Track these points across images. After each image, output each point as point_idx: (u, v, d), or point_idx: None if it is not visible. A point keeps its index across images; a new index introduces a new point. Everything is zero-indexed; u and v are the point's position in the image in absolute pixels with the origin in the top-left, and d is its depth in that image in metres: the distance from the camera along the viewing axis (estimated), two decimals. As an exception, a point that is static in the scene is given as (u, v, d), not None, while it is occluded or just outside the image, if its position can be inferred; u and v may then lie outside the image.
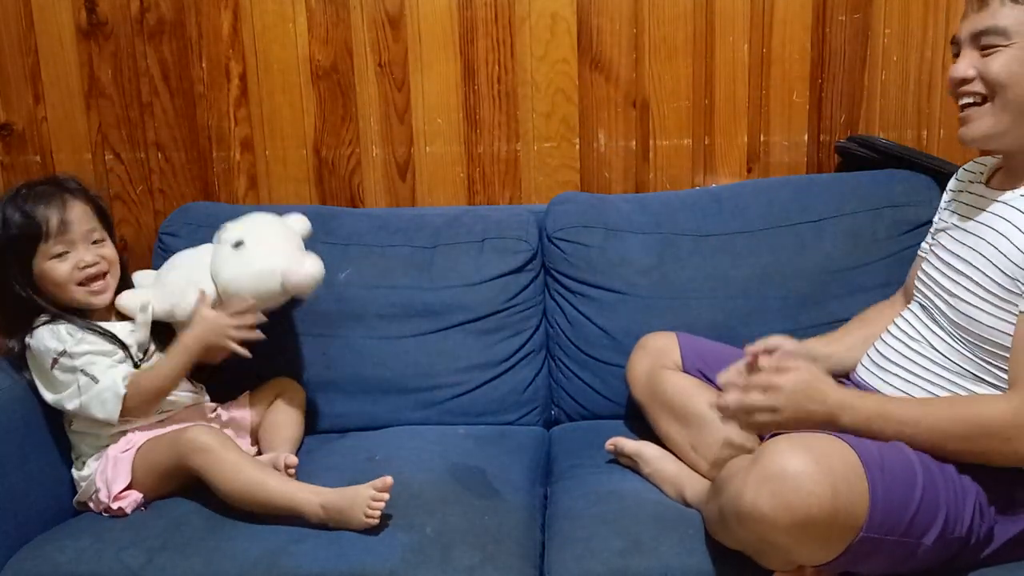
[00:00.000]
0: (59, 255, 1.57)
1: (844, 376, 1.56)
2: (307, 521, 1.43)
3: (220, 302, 1.63)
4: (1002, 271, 1.29)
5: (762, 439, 1.44)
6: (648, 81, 2.02)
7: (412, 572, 1.33)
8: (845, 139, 2.01)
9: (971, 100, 1.33)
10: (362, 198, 2.11)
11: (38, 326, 1.57)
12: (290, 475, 1.52)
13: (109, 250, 1.63)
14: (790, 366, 1.33)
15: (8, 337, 1.60)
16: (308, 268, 1.63)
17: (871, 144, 1.93)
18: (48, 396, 1.56)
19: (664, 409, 1.60)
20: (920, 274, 1.49)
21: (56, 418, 1.61)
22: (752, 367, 1.37)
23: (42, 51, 2.06)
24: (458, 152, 2.07)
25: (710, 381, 1.61)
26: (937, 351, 1.38)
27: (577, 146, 2.06)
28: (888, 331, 1.50)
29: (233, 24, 2.03)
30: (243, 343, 1.60)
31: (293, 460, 1.57)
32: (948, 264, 1.40)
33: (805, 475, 1.14)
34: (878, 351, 1.49)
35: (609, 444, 1.63)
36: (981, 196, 1.42)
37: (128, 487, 1.53)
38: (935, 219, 1.57)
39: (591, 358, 1.84)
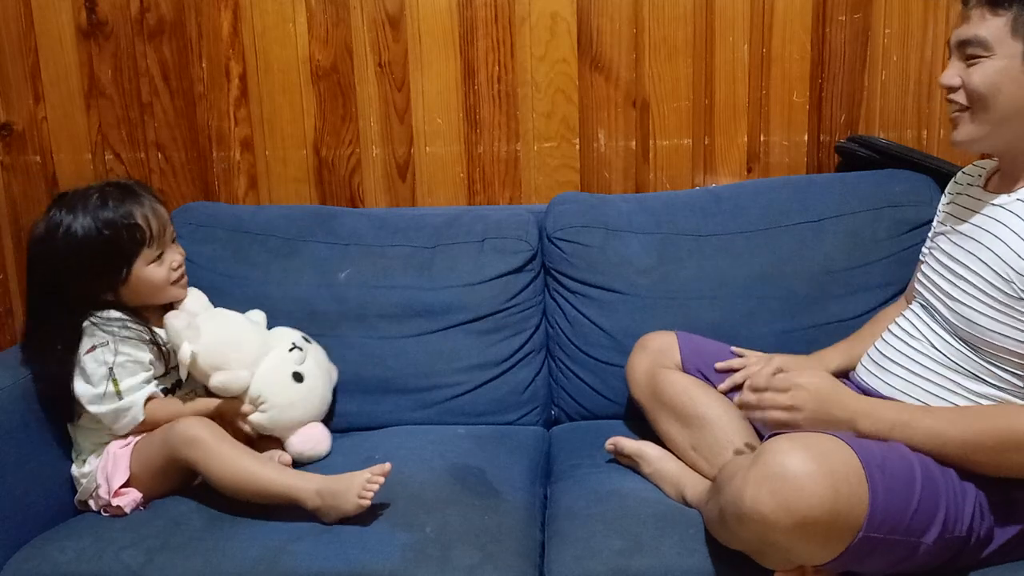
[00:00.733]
0: (157, 259, 1.60)
1: (844, 376, 1.56)
2: (303, 507, 1.43)
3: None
4: (998, 274, 1.29)
5: (762, 439, 1.44)
6: (648, 81, 2.02)
7: (412, 571, 1.33)
8: (845, 139, 2.01)
9: (956, 107, 1.36)
10: (362, 198, 2.11)
11: (94, 313, 1.57)
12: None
13: (180, 247, 1.68)
14: (812, 370, 1.37)
15: (55, 329, 1.58)
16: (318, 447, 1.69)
17: (871, 144, 1.93)
18: (77, 386, 1.55)
19: (664, 409, 1.60)
20: (920, 275, 1.50)
21: (56, 418, 1.61)
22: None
23: (42, 51, 2.06)
24: (458, 152, 2.07)
25: (710, 381, 1.61)
26: (937, 350, 1.38)
27: (577, 146, 2.06)
28: (889, 330, 1.50)
29: (233, 24, 2.03)
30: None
31: (287, 458, 1.58)
32: (946, 267, 1.41)
33: (805, 475, 1.14)
34: (878, 351, 1.49)
35: (609, 444, 1.63)
36: (978, 199, 1.42)
37: (127, 483, 1.54)
38: (934, 221, 1.57)
39: (591, 358, 1.84)
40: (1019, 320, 1.27)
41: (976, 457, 1.25)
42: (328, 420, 1.83)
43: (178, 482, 1.56)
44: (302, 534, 1.41)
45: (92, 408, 1.55)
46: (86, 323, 1.57)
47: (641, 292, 1.83)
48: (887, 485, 1.17)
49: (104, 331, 1.56)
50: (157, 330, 1.62)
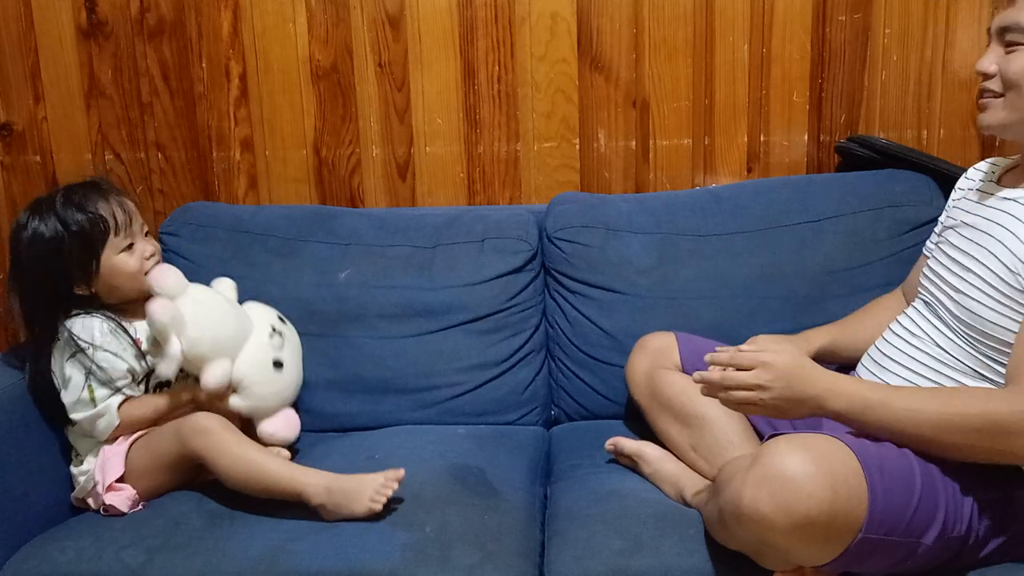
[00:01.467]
0: (127, 248, 1.61)
1: (832, 362, 1.57)
2: (307, 502, 1.43)
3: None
4: (1005, 266, 1.29)
5: (762, 439, 1.44)
6: (648, 81, 2.02)
7: (412, 571, 1.33)
8: (845, 139, 2.01)
9: (990, 93, 1.35)
10: (362, 198, 2.11)
11: (75, 315, 1.59)
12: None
13: (153, 240, 1.68)
14: (779, 347, 1.30)
15: (41, 331, 1.60)
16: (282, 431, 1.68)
17: (871, 144, 1.93)
18: (62, 392, 1.57)
19: (664, 409, 1.60)
20: (925, 270, 1.49)
21: (56, 418, 1.61)
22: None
23: (42, 51, 2.06)
24: (458, 152, 2.07)
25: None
26: (940, 347, 1.38)
27: (577, 146, 2.06)
28: (890, 329, 1.50)
29: (233, 24, 2.03)
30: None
31: (286, 454, 1.59)
32: (954, 260, 1.41)
33: (804, 476, 1.14)
34: (879, 349, 1.49)
35: (609, 444, 1.63)
36: (990, 194, 1.42)
37: (121, 479, 1.54)
38: (942, 217, 1.57)
39: (591, 358, 1.84)
40: (1021, 313, 1.27)
41: (948, 438, 1.21)
42: (328, 419, 1.84)
43: (182, 478, 1.56)
44: (302, 533, 1.41)
45: (72, 414, 1.57)
46: (67, 327, 1.57)
47: (641, 292, 1.83)
48: (886, 486, 1.17)
49: (83, 340, 1.57)
50: (139, 325, 1.63)
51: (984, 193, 1.45)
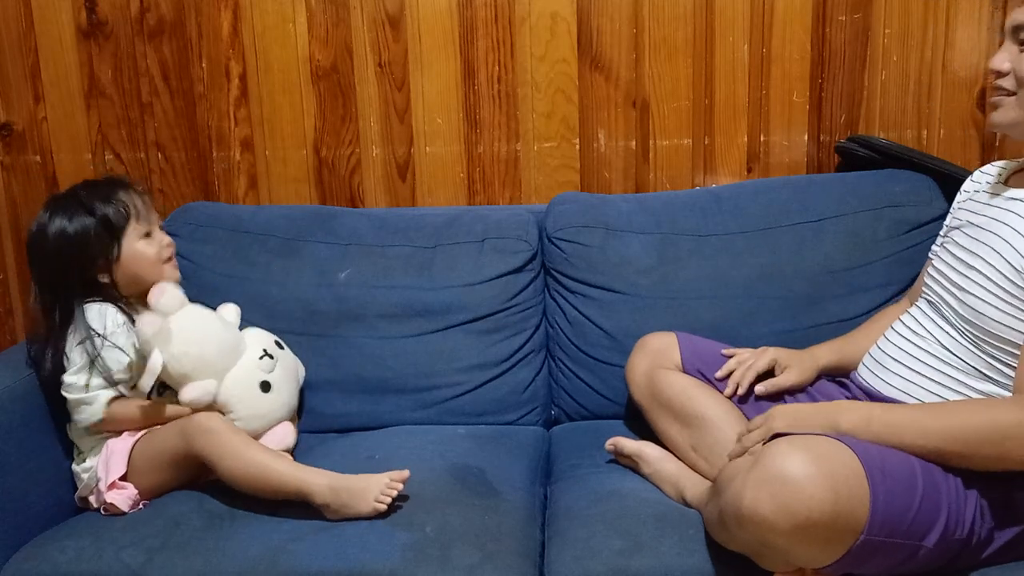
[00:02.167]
0: (146, 235, 1.65)
1: (836, 376, 1.56)
2: (311, 501, 1.44)
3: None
4: (1011, 264, 1.29)
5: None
6: (648, 81, 2.02)
7: (412, 571, 1.33)
8: (845, 139, 2.01)
9: (1003, 92, 1.35)
10: (362, 198, 2.11)
11: (92, 301, 1.61)
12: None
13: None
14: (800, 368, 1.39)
15: (60, 319, 1.61)
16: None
17: (871, 144, 1.93)
18: (65, 377, 1.58)
19: (664, 409, 1.60)
20: (930, 270, 1.49)
21: (56, 416, 1.61)
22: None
23: (42, 51, 2.06)
24: (458, 152, 2.07)
25: (710, 381, 1.61)
26: (944, 348, 1.38)
27: (577, 146, 2.06)
28: (892, 329, 1.50)
29: (233, 24, 2.03)
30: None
31: (287, 456, 1.59)
32: (959, 259, 1.40)
33: (805, 478, 1.13)
34: (880, 350, 1.49)
35: (609, 444, 1.63)
36: (996, 194, 1.42)
37: (124, 477, 1.54)
38: (948, 219, 1.57)
39: (591, 358, 1.84)
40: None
41: (955, 448, 1.23)
42: (328, 419, 1.84)
43: (184, 478, 1.56)
44: (302, 533, 1.41)
45: (63, 391, 1.57)
46: (83, 311, 1.59)
47: (641, 292, 1.83)
48: (888, 488, 1.16)
49: (95, 328, 1.58)
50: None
51: (991, 194, 1.44)
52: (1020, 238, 1.29)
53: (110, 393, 1.58)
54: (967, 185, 1.56)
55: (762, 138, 2.03)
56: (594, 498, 1.50)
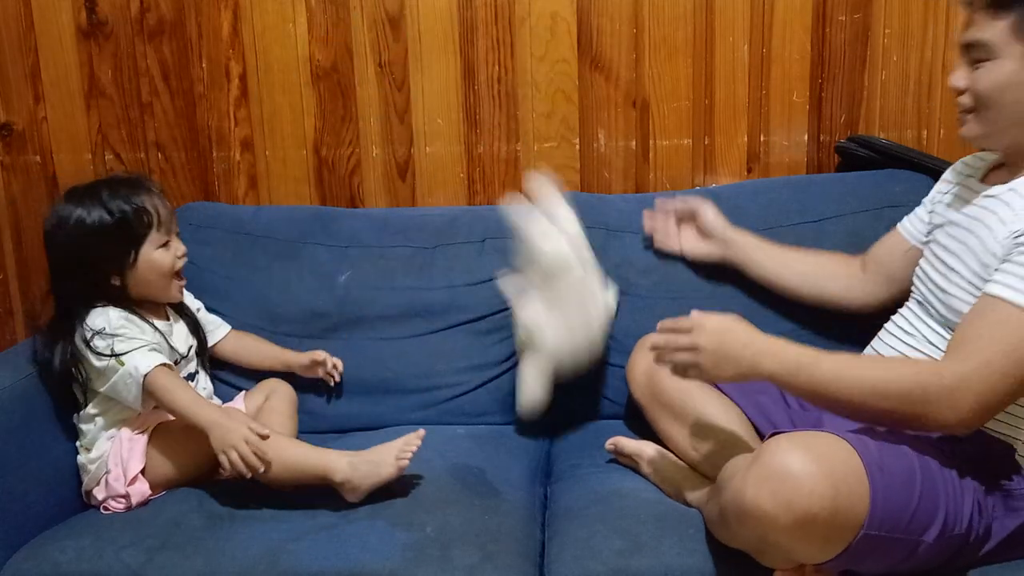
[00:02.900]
0: (164, 244, 1.63)
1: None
2: (331, 480, 1.45)
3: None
4: (981, 261, 1.30)
5: (762, 439, 1.44)
6: (648, 81, 2.02)
7: (412, 571, 1.33)
8: (845, 139, 2.01)
9: (964, 107, 1.37)
10: (362, 198, 2.11)
11: (95, 307, 1.60)
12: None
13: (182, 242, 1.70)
14: (714, 314, 1.36)
15: (63, 319, 1.61)
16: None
17: (871, 144, 1.93)
18: (92, 366, 1.57)
19: (664, 409, 1.60)
20: (917, 270, 1.50)
21: (57, 416, 1.61)
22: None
23: (42, 51, 2.06)
24: (458, 152, 2.07)
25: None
26: (933, 345, 1.39)
27: (577, 146, 2.06)
28: (885, 328, 1.51)
29: (233, 24, 2.03)
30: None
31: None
32: (940, 259, 1.42)
33: (806, 474, 1.14)
34: (874, 349, 1.50)
35: (609, 444, 1.63)
36: (974, 192, 1.43)
37: (142, 471, 1.54)
38: (927, 203, 1.59)
39: (591, 358, 1.84)
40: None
41: (875, 403, 1.24)
42: (328, 419, 1.84)
43: (197, 473, 1.56)
44: (302, 533, 1.41)
45: (101, 387, 1.56)
46: (84, 317, 1.58)
47: (641, 292, 1.83)
48: (887, 483, 1.17)
49: (104, 320, 1.58)
50: (158, 324, 1.65)
51: (969, 190, 1.46)
52: (989, 232, 1.31)
53: (148, 360, 1.53)
54: (948, 174, 1.57)
55: (762, 138, 2.03)
56: (594, 498, 1.50)
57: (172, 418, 1.58)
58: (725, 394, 1.58)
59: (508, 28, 2.00)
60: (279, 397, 1.75)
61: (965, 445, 1.29)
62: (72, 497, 1.61)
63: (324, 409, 1.84)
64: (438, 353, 1.84)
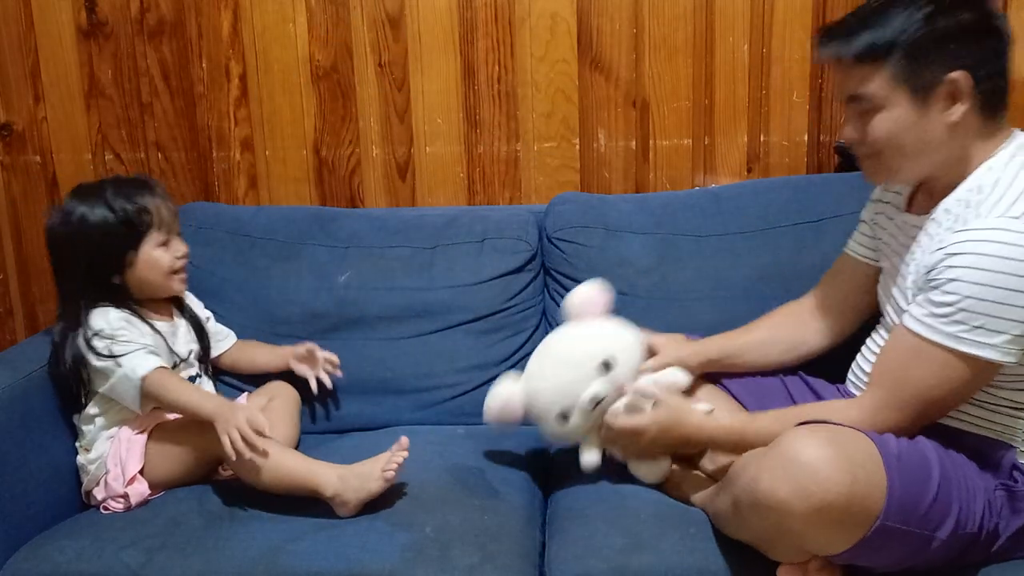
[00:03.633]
0: (163, 243, 1.64)
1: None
2: (321, 494, 1.44)
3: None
4: (917, 287, 1.31)
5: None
6: (648, 81, 2.02)
7: (411, 571, 1.33)
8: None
9: (865, 155, 1.36)
10: (362, 198, 2.11)
11: (97, 307, 1.60)
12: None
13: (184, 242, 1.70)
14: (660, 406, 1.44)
15: (67, 317, 1.61)
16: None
17: (871, 144, 1.93)
18: (92, 367, 1.57)
19: (664, 409, 1.60)
20: (881, 291, 1.51)
21: (57, 416, 1.61)
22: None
23: (42, 51, 2.06)
24: (458, 152, 2.07)
25: (716, 381, 1.61)
26: None
27: (577, 146, 2.06)
28: (866, 346, 1.51)
29: (233, 24, 2.03)
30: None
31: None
32: (896, 284, 1.42)
33: (823, 461, 1.13)
34: (857, 371, 1.51)
35: (609, 444, 1.63)
36: (903, 222, 1.44)
37: (141, 471, 1.54)
38: (865, 213, 1.58)
39: (591, 358, 1.84)
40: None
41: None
42: (328, 419, 1.84)
43: (196, 474, 1.56)
44: (302, 533, 1.41)
45: (101, 388, 1.57)
46: (87, 316, 1.59)
47: (641, 292, 1.83)
48: (904, 475, 1.16)
49: (104, 321, 1.58)
50: (160, 324, 1.65)
51: (895, 220, 1.47)
52: (915, 263, 1.33)
53: (145, 362, 1.54)
54: (877, 193, 1.56)
55: (762, 138, 2.03)
56: (594, 497, 1.50)
57: (172, 418, 1.58)
58: (731, 394, 1.58)
59: (508, 28, 2.00)
60: (282, 400, 1.75)
61: (970, 446, 1.29)
62: (72, 497, 1.61)
63: (324, 409, 1.84)
64: (438, 353, 1.84)
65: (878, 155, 1.33)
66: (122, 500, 1.54)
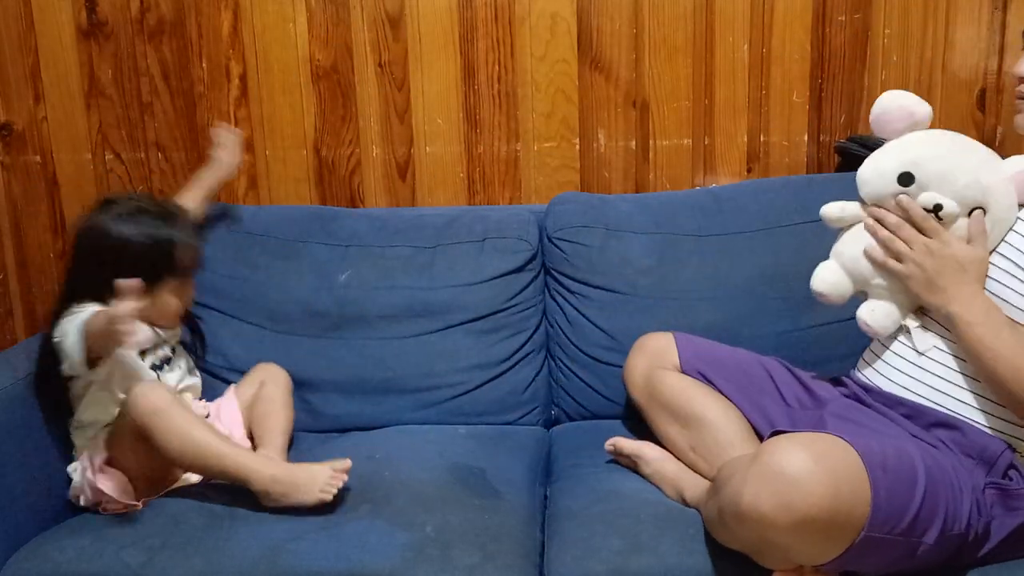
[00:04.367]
0: (177, 289, 1.63)
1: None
2: (249, 488, 1.44)
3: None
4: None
5: (761, 439, 1.44)
6: (648, 81, 2.02)
7: (412, 571, 1.33)
8: (845, 139, 2.01)
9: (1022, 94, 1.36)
10: (362, 198, 2.11)
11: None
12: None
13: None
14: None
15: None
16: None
17: (871, 144, 1.93)
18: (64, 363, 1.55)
19: (663, 410, 1.60)
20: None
21: (56, 417, 1.61)
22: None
23: (42, 51, 2.06)
24: (458, 152, 2.07)
25: (709, 381, 1.61)
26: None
27: (577, 146, 2.06)
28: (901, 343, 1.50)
29: (233, 24, 2.03)
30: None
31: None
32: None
33: (805, 474, 1.13)
34: (873, 352, 1.50)
35: (609, 444, 1.63)
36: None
37: (109, 462, 1.52)
38: None
39: (591, 358, 1.84)
40: None
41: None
42: (328, 419, 1.84)
43: (158, 458, 1.52)
44: (302, 533, 1.41)
45: (65, 364, 1.53)
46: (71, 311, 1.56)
47: (641, 292, 1.83)
48: (889, 484, 1.16)
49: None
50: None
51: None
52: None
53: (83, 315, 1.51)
54: None
55: (762, 138, 2.04)
56: (594, 498, 1.50)
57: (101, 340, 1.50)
58: (724, 395, 1.58)
59: (508, 28, 2.00)
60: (273, 385, 1.73)
61: (964, 443, 1.29)
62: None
63: (324, 408, 1.84)
64: (438, 353, 1.84)
65: None
66: (113, 501, 1.52)
